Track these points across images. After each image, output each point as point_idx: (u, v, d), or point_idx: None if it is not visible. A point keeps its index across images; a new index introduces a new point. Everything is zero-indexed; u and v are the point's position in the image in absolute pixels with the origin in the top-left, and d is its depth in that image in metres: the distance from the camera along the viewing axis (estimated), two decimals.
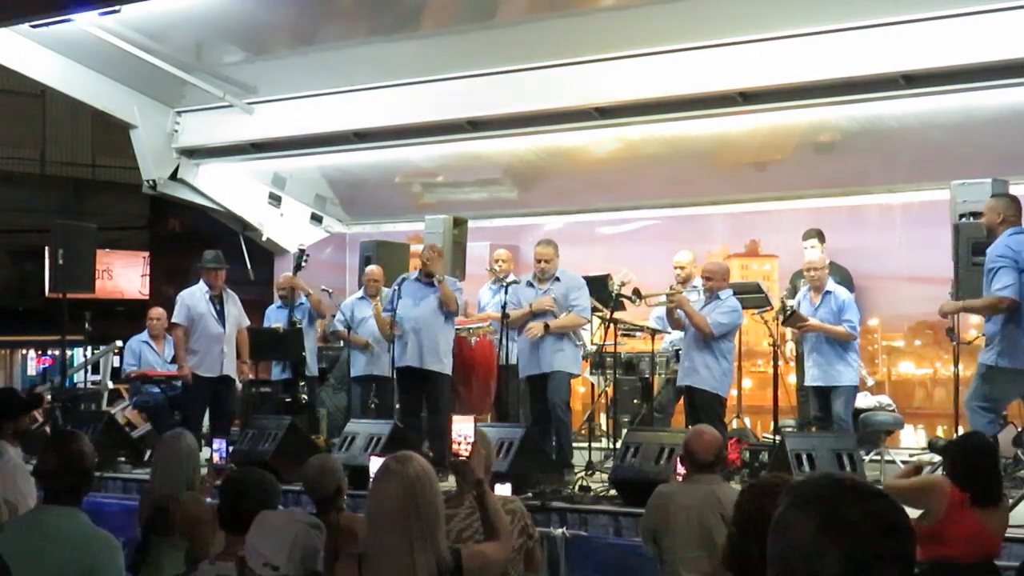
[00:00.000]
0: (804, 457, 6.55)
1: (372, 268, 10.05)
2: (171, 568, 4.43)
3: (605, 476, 7.33)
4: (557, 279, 8.12)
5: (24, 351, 21.11)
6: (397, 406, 9.41)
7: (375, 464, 6.93)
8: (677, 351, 8.49)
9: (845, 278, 8.95)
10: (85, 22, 9.37)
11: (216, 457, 7.30)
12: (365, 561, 3.07)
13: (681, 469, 5.32)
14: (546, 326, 7.93)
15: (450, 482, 4.43)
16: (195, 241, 13.34)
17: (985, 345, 6.70)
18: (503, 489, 5.81)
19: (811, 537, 1.55)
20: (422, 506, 3.03)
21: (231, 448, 7.68)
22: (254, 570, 2.95)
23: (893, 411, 8.61)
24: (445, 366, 8.50)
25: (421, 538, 3.00)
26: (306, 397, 9.99)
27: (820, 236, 9.03)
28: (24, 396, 6.08)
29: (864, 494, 1.59)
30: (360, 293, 9.97)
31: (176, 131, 11.68)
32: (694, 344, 7.80)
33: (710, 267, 8.16)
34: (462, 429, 3.64)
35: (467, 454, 3.59)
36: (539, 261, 8.17)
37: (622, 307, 8.79)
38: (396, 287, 8.73)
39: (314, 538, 3.01)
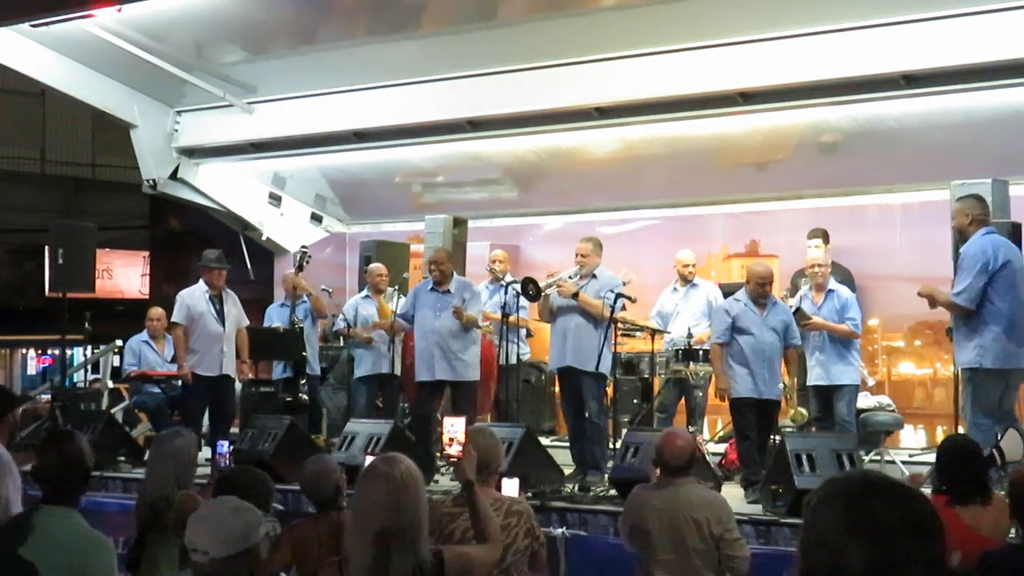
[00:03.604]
0: (804, 457, 6.55)
1: (379, 265, 10.06)
2: (167, 567, 4.43)
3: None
4: (594, 276, 8.03)
5: (24, 351, 21.13)
6: (404, 406, 9.42)
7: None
8: (677, 351, 8.49)
9: (847, 278, 8.95)
10: (85, 22, 9.37)
11: (218, 456, 7.29)
12: (346, 564, 3.06)
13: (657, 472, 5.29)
14: (576, 294, 7.85)
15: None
16: (195, 241, 13.36)
17: (963, 348, 6.72)
18: (511, 486, 5.81)
19: (837, 532, 1.54)
20: (404, 509, 3.00)
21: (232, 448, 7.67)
22: (193, 559, 2.96)
23: (893, 411, 8.60)
24: (470, 372, 8.46)
25: (400, 540, 2.98)
26: (306, 396, 10.00)
27: (825, 236, 9.03)
28: (11, 393, 6.04)
29: (895, 493, 1.57)
30: (364, 292, 9.97)
31: (176, 131, 11.67)
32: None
33: (769, 271, 7.87)
34: (453, 428, 3.64)
35: (459, 456, 3.58)
36: (576, 255, 8.11)
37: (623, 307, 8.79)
38: (413, 295, 8.72)
39: (237, 520, 2.98)
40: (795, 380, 7.72)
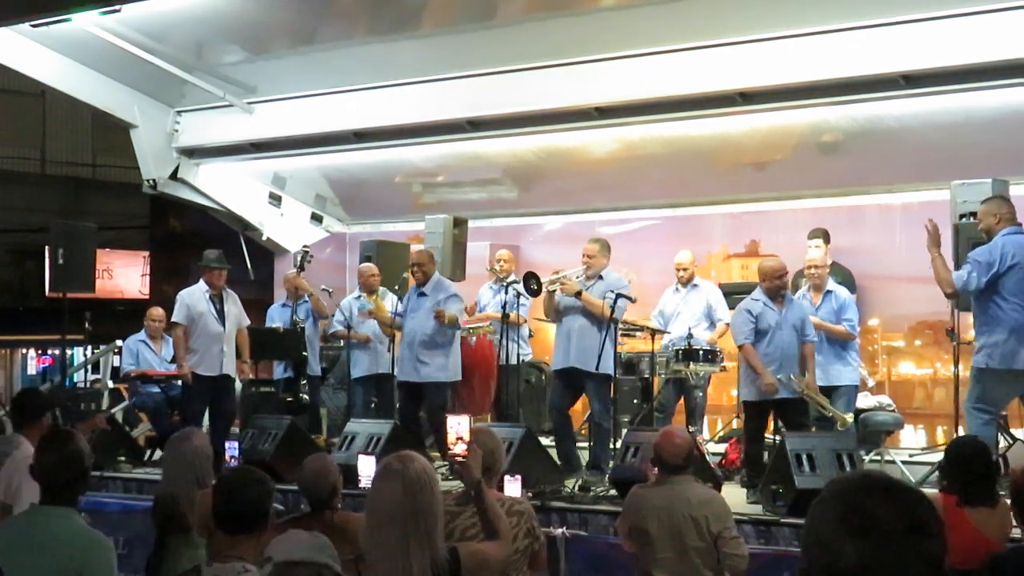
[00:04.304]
0: (804, 457, 6.55)
1: (370, 265, 10.06)
2: (189, 566, 4.43)
3: None
4: (600, 277, 8.04)
5: (24, 351, 21.11)
6: (398, 405, 9.43)
7: (363, 463, 6.96)
8: (677, 351, 8.48)
9: (847, 279, 8.96)
10: (85, 22, 9.37)
11: (228, 456, 7.34)
12: (363, 561, 3.08)
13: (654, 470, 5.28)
14: (579, 292, 7.86)
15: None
16: (195, 241, 13.36)
17: (976, 349, 6.73)
18: (514, 487, 5.81)
19: (832, 530, 1.53)
20: (421, 506, 3.03)
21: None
22: None
23: (893, 411, 8.61)
24: (439, 374, 8.55)
25: (418, 538, 3.01)
26: (307, 397, 10.01)
27: (826, 236, 9.04)
28: (44, 395, 6.10)
29: (892, 491, 1.56)
30: (357, 293, 9.98)
31: (176, 131, 11.67)
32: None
33: (781, 264, 7.77)
34: (458, 428, 3.64)
35: (464, 455, 3.59)
36: (583, 256, 8.13)
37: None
38: (407, 296, 8.77)
39: (306, 536, 2.99)
40: (814, 377, 7.62)
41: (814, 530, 1.57)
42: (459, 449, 3.64)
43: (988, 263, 6.52)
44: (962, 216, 7.53)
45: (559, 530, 6.48)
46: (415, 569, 2.99)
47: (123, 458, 8.90)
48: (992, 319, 6.57)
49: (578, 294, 7.85)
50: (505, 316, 8.95)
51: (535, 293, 8.24)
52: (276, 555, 2.86)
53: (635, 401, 9.42)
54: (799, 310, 7.63)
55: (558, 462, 7.84)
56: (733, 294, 9.17)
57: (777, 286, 7.52)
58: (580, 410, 9.12)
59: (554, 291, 8.01)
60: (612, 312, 7.76)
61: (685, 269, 9.07)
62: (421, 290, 8.64)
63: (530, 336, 10.25)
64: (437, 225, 10.22)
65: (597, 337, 7.80)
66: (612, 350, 7.96)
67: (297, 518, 4.69)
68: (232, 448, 7.38)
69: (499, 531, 3.52)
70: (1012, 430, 7.69)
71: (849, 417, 7.57)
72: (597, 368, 7.73)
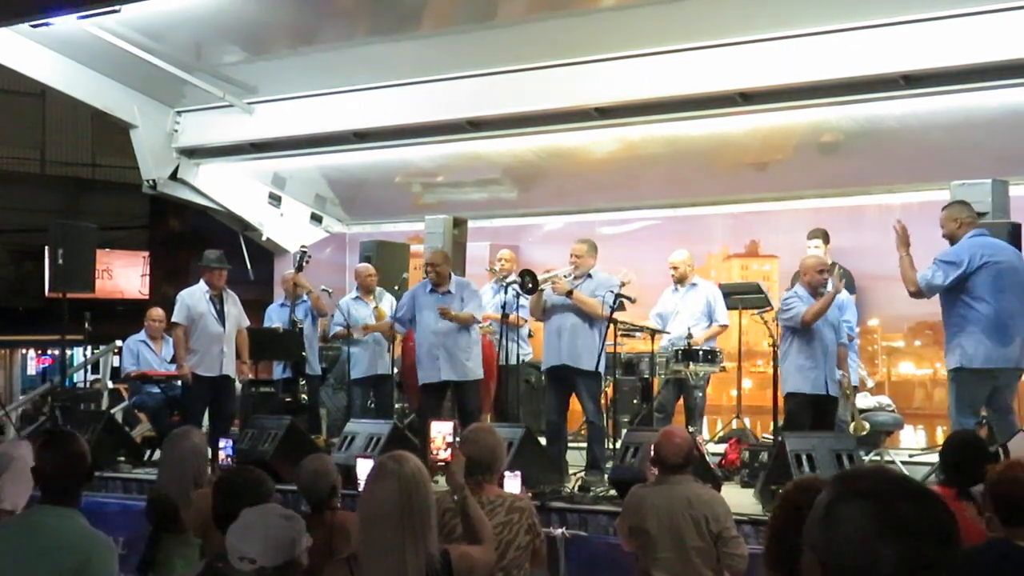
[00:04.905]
0: (804, 458, 6.55)
1: (367, 266, 10.06)
2: (183, 566, 4.42)
3: None
4: (589, 276, 8.02)
5: (24, 351, 21.12)
6: (403, 406, 9.42)
7: (361, 465, 6.95)
8: (677, 351, 8.47)
9: (847, 279, 8.94)
10: (85, 22, 9.37)
11: (223, 455, 7.36)
12: (356, 561, 3.08)
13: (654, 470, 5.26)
14: (570, 292, 7.84)
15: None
16: (195, 241, 13.38)
17: (947, 350, 6.74)
18: (513, 483, 5.81)
19: (866, 534, 1.51)
20: (416, 505, 3.04)
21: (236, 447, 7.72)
22: (234, 566, 2.95)
23: (893, 411, 8.61)
24: (476, 371, 8.51)
25: (413, 537, 3.02)
26: (306, 397, 10.01)
27: (825, 237, 9.03)
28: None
29: (919, 495, 1.56)
30: (355, 293, 9.98)
31: (176, 131, 11.68)
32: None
33: (820, 258, 7.79)
34: (441, 432, 3.65)
35: (448, 459, 3.60)
36: (571, 256, 8.12)
37: (622, 307, 8.78)
38: (410, 298, 8.71)
39: (288, 529, 3.00)
40: (848, 379, 7.59)
41: (842, 532, 1.54)
42: (445, 455, 3.65)
43: (956, 264, 6.59)
44: None
45: (559, 530, 6.47)
46: (410, 568, 2.99)
47: (123, 458, 8.89)
48: (963, 319, 6.63)
49: (569, 293, 7.87)
50: (505, 316, 8.95)
51: (531, 291, 8.23)
52: (257, 556, 2.85)
53: (635, 401, 9.42)
54: (835, 309, 7.59)
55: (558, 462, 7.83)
56: (733, 294, 9.18)
57: (819, 281, 7.50)
58: (580, 411, 9.11)
59: (543, 289, 8.02)
60: (612, 312, 7.76)
61: (676, 268, 8.98)
62: (447, 289, 8.54)
63: (530, 336, 10.24)
64: (437, 225, 10.21)
65: (589, 335, 7.82)
66: (604, 350, 7.96)
67: None
68: (227, 446, 7.40)
69: (482, 537, 3.54)
70: None
71: (867, 425, 7.56)
72: (596, 367, 7.73)
